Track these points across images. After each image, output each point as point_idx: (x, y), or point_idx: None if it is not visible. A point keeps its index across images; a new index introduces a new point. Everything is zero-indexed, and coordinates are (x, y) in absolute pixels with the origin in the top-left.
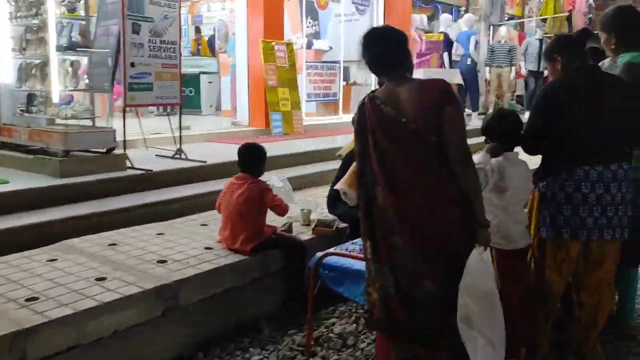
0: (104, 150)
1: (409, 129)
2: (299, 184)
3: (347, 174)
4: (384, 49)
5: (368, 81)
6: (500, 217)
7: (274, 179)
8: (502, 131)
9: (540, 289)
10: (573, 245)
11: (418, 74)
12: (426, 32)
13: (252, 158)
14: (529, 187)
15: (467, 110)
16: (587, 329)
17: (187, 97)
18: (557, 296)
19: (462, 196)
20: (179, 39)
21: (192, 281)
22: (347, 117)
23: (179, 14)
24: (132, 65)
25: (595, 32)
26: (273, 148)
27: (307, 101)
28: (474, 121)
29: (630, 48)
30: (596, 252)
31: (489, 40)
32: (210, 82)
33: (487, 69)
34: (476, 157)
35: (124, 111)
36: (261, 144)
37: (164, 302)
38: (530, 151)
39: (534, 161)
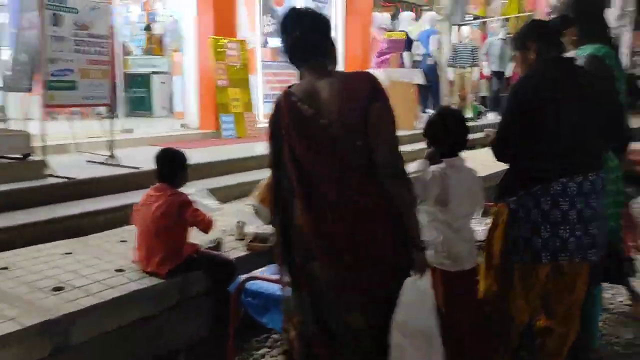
0: (20, 156)
1: (330, 132)
2: (243, 191)
3: (260, 187)
4: (307, 29)
5: None
6: (445, 234)
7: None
8: (445, 132)
9: (504, 312)
10: (543, 266)
11: (379, 75)
12: (387, 31)
13: (170, 165)
14: (478, 198)
15: (429, 111)
16: (551, 357)
17: (137, 98)
18: (521, 325)
19: (394, 212)
20: (110, 32)
21: (89, 313)
22: None
23: (109, 5)
24: (52, 61)
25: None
26: (218, 152)
27: (264, 102)
28: None
29: (593, 40)
30: (568, 272)
31: (451, 40)
32: (162, 83)
33: (450, 69)
34: (412, 165)
35: (43, 112)
36: (181, 149)
37: (50, 340)
38: (501, 157)
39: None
